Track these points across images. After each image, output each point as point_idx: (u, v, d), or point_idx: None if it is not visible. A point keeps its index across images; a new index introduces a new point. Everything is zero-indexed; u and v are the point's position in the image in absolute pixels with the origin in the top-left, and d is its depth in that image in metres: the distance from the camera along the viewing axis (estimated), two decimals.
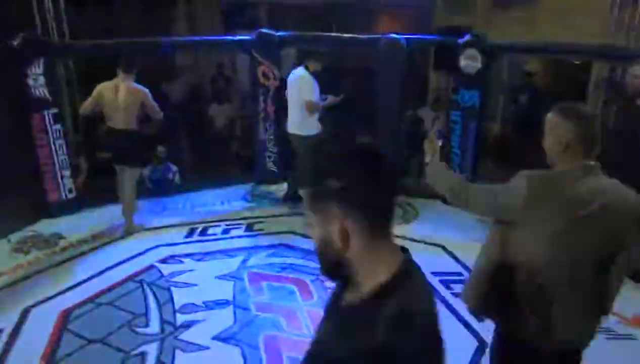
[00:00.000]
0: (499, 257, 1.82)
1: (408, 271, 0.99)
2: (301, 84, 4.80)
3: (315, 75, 4.84)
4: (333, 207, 0.95)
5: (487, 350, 3.04)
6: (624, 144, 4.44)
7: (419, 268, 1.04)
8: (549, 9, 6.51)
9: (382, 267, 0.97)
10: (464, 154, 5.27)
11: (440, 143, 2.20)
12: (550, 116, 1.81)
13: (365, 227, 0.95)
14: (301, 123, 4.89)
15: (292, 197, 5.30)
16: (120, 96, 4.36)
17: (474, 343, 3.15)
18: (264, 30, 5.61)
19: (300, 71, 4.87)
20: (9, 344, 3.13)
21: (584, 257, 1.72)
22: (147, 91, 4.43)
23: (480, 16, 7.41)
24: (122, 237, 4.57)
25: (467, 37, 5.05)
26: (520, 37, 5.51)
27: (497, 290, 1.83)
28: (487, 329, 3.24)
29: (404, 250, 1.05)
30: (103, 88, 4.40)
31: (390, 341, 0.89)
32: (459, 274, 4.00)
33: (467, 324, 3.34)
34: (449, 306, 3.54)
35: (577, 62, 6.07)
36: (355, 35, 5.69)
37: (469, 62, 5.00)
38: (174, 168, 5.72)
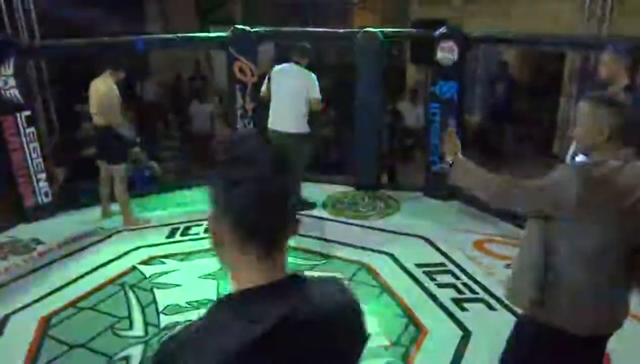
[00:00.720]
0: (543, 253, 1.81)
1: (248, 300, 0.86)
2: (306, 81, 4.54)
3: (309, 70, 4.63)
4: (213, 207, 0.88)
5: (472, 338, 3.11)
6: None
7: (301, 300, 0.87)
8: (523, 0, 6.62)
9: (239, 284, 0.89)
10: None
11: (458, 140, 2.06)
12: (586, 106, 1.78)
13: (234, 237, 0.86)
14: (295, 121, 4.58)
15: None
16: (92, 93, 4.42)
17: (458, 333, 3.19)
18: (239, 26, 5.56)
19: (295, 67, 4.60)
20: None
21: (628, 245, 1.75)
22: (106, 89, 4.33)
23: (455, 8, 7.48)
24: (109, 237, 4.51)
25: (442, 29, 5.08)
26: (496, 28, 5.59)
27: (546, 284, 1.82)
28: (470, 318, 3.31)
29: (293, 278, 0.90)
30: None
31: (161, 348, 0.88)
32: (442, 265, 4.04)
33: (451, 315, 3.38)
34: (432, 297, 3.58)
35: (554, 53, 6.18)
36: (332, 30, 5.69)
37: (445, 54, 5.04)
38: (154, 164, 5.63)
